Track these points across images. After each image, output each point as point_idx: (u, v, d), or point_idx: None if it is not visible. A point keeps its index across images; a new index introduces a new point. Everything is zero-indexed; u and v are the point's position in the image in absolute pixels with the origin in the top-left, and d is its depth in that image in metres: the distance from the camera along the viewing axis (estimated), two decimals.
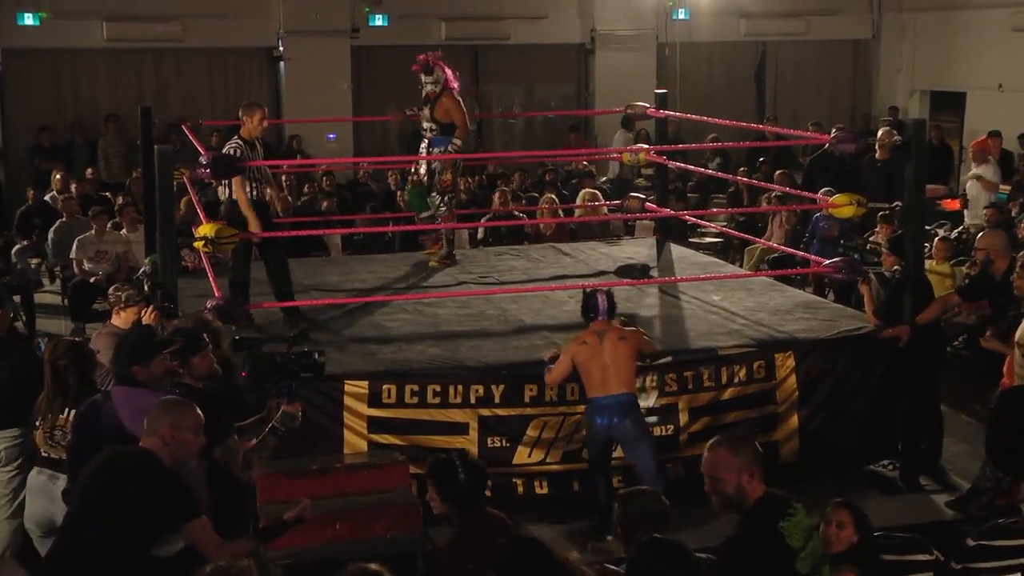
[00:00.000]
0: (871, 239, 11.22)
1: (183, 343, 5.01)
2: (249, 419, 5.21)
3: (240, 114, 7.90)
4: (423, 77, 9.12)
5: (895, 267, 7.61)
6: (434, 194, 9.24)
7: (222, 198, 7.91)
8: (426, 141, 9.25)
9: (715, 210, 13.35)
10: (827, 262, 7.83)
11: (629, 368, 6.51)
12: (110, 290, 7.01)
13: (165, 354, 4.91)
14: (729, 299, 8.28)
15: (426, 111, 9.19)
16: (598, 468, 6.65)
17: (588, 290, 6.83)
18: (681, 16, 17.66)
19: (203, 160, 7.09)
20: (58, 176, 13.49)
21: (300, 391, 5.19)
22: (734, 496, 4.09)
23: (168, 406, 4.38)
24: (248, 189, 7.67)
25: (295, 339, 5.69)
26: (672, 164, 11.21)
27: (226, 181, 7.67)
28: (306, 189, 13.47)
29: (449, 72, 9.16)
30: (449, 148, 9.11)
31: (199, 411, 4.40)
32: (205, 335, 5.36)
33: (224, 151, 7.76)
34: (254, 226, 7.58)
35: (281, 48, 16.27)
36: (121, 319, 6.45)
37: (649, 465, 6.45)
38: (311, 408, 6.13)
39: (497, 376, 6.82)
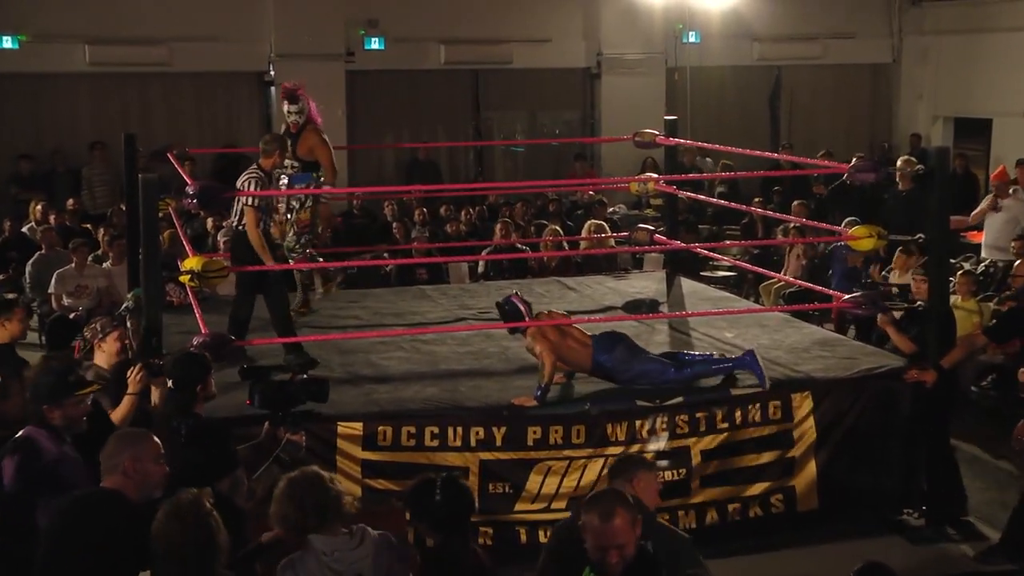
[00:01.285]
0: (887, 273, 11.17)
1: (101, 386, 5.03)
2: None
3: (263, 145, 7.95)
4: (287, 106, 8.73)
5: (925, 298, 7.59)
6: (291, 235, 8.84)
7: (210, 229, 7.96)
8: (285, 179, 8.58)
9: (728, 242, 13.37)
10: (847, 297, 7.83)
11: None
12: (86, 326, 7.02)
13: (80, 395, 4.90)
14: (743, 336, 8.28)
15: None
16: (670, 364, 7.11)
17: (501, 301, 7.34)
18: (691, 39, 17.75)
19: (190, 190, 7.11)
20: (38, 206, 13.53)
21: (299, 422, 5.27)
22: (633, 552, 3.99)
23: (125, 439, 4.37)
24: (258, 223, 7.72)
25: (300, 367, 5.75)
26: (683, 194, 11.24)
27: (234, 210, 7.70)
28: None
29: (313, 104, 8.83)
30: (316, 185, 8.64)
31: (156, 439, 4.40)
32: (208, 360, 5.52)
33: (243, 180, 7.80)
34: (269, 263, 7.65)
35: (272, 73, 16.34)
36: (104, 352, 6.43)
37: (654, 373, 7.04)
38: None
39: (498, 417, 6.81)
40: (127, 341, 6.64)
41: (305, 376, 5.64)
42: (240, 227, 7.85)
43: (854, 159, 8.25)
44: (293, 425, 5.25)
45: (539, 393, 6.88)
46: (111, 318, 6.80)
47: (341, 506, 4.27)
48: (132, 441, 4.36)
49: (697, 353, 7.52)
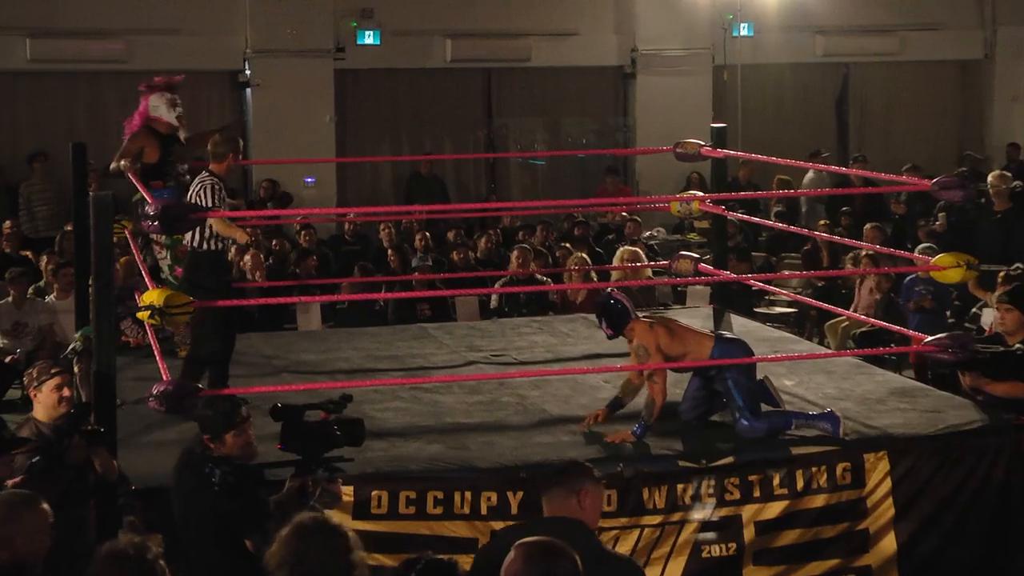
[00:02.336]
0: (980, 310, 11.14)
1: (34, 447, 5.11)
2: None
3: (212, 147, 8.05)
4: (170, 96, 9.15)
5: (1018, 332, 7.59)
6: (169, 262, 8.97)
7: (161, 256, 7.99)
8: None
9: (787, 273, 13.38)
10: (929, 339, 7.81)
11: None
12: (25, 372, 7.06)
13: (12, 456, 4.96)
14: (805, 384, 8.28)
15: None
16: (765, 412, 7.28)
17: (602, 300, 7.60)
18: (744, 32, 17.82)
19: (150, 211, 7.13)
20: None
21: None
22: None
23: (16, 506, 4.32)
24: (211, 240, 7.79)
25: (335, 406, 5.81)
26: (732, 215, 11.26)
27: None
28: (274, 244, 13.56)
29: None
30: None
31: (46, 505, 4.41)
32: (243, 409, 5.68)
33: (196, 189, 7.86)
34: (243, 237, 7.89)
35: (248, 71, 16.48)
36: (41, 403, 6.45)
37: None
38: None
39: (514, 480, 6.82)
40: (66, 391, 6.63)
41: (335, 417, 5.75)
42: (195, 245, 7.89)
43: (958, 172, 8.27)
44: (329, 473, 5.38)
45: (639, 430, 7.08)
46: (52, 362, 6.83)
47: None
48: (25, 510, 4.31)
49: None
